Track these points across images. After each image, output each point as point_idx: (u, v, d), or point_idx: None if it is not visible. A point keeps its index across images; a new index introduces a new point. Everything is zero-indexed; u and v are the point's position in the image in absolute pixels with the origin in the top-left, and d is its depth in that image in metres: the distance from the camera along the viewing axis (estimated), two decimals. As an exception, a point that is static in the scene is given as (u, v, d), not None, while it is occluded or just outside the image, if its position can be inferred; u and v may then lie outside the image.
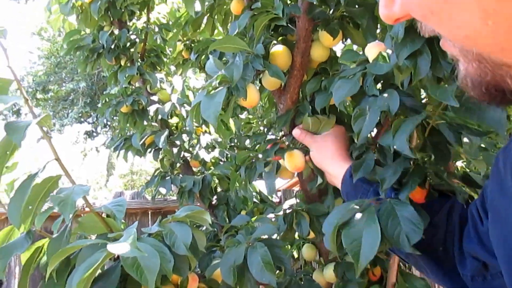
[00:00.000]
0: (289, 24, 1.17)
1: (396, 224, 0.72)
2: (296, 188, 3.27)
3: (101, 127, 10.12)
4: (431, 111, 0.89)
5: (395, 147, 0.76)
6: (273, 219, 1.59)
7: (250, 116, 2.69)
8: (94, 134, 10.44)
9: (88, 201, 0.95)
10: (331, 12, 1.15)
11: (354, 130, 0.90)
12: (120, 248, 0.67)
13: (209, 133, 2.00)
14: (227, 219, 1.78)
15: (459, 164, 1.27)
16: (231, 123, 2.12)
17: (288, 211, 1.30)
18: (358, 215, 0.74)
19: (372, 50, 0.99)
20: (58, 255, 0.76)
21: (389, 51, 0.89)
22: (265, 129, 2.62)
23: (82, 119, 9.76)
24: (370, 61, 0.99)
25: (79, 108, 8.92)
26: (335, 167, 1.00)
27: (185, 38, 2.67)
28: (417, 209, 0.74)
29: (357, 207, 0.76)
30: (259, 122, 2.69)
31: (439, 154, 0.82)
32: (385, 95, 0.89)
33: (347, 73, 0.99)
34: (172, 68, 2.27)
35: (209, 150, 1.96)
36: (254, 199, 1.81)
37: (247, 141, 2.49)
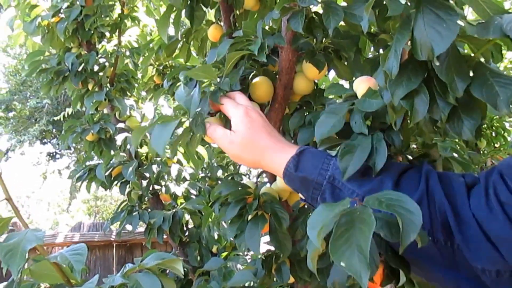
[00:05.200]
0: (271, 55, 1.10)
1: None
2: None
3: (65, 148, 9.77)
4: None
5: None
6: (248, 260, 1.48)
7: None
8: (58, 156, 10.03)
9: (43, 248, 0.83)
10: (316, 43, 1.09)
11: (340, 166, 0.81)
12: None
13: (181, 163, 1.88)
14: (198, 258, 1.66)
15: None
16: (203, 152, 2.02)
17: (267, 254, 1.20)
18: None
19: (361, 85, 0.93)
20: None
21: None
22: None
23: (45, 140, 9.38)
24: (359, 96, 0.93)
25: (41, 125, 8.54)
26: (277, 155, 0.78)
27: (157, 63, 2.57)
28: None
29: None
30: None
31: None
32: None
33: (333, 108, 0.92)
34: (143, 93, 2.16)
35: (180, 182, 1.83)
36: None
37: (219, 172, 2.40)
